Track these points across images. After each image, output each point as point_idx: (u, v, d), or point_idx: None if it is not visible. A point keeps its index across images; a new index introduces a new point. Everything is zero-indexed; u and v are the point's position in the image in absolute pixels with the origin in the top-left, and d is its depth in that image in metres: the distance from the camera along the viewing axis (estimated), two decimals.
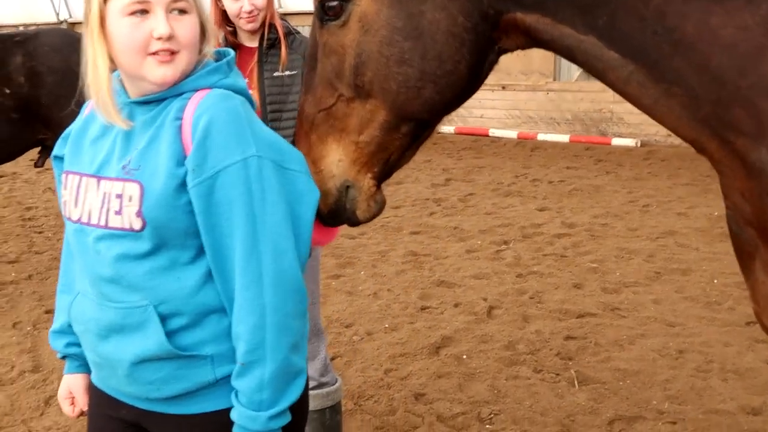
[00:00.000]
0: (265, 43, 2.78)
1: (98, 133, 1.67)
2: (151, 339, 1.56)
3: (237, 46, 2.86)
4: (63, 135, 1.77)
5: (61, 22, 16.41)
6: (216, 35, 1.65)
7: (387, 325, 4.85)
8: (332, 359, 4.32)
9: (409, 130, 1.77)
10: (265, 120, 2.77)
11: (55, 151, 1.78)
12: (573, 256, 6.18)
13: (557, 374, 4.13)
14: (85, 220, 1.61)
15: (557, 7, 1.56)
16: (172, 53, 1.56)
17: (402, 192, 8.83)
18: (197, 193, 1.51)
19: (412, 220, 7.50)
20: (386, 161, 1.82)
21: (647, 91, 1.54)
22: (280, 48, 2.74)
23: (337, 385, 3.13)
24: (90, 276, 1.63)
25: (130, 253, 1.55)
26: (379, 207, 1.90)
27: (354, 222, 1.90)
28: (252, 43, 2.83)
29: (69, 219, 1.66)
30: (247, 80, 2.81)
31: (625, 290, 5.36)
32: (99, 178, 1.60)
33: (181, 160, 1.52)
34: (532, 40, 1.67)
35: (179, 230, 1.54)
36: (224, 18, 2.80)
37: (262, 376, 1.52)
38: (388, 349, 4.50)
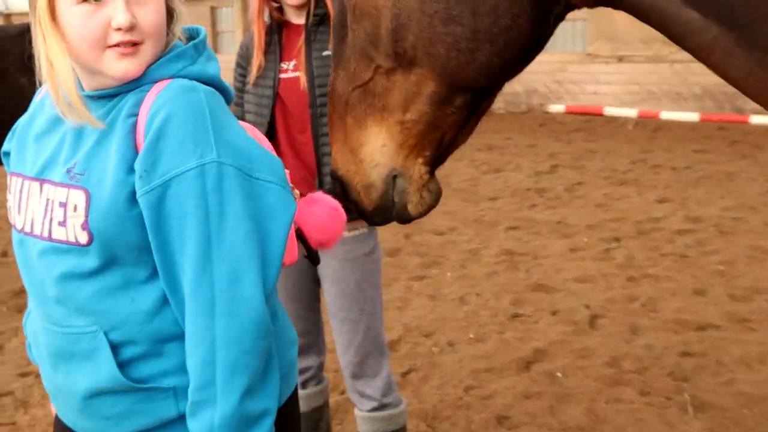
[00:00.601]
0: (312, 19, 2.73)
1: (44, 127, 1.61)
2: (103, 370, 1.51)
3: (283, 24, 2.82)
4: (12, 127, 1.71)
5: None
6: (185, 15, 1.57)
7: (472, 335, 4.75)
8: (407, 373, 4.27)
9: (465, 102, 1.66)
10: (314, 105, 2.72)
11: (4, 146, 1.74)
12: (696, 256, 5.89)
13: (668, 398, 3.92)
14: (27, 229, 1.56)
15: None
16: (135, 44, 1.48)
17: (501, 181, 8.70)
18: (146, 203, 1.43)
19: (510, 213, 7.36)
20: (439, 142, 1.72)
21: (736, 62, 1.38)
22: (329, 24, 2.68)
23: (401, 407, 3.07)
24: (35, 295, 1.59)
25: (76, 271, 1.50)
26: (434, 198, 1.81)
27: (404, 219, 1.81)
28: (299, 19, 2.78)
29: (14, 227, 1.62)
30: (294, 61, 2.78)
31: (757, 298, 5.06)
32: (42, 182, 1.55)
33: (132, 165, 1.45)
34: None
35: (131, 245, 1.48)
36: None
37: (211, 419, 1.44)
38: (471, 363, 4.40)
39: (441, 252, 6.29)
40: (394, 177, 1.73)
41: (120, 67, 1.49)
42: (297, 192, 1.73)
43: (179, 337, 1.53)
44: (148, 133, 1.44)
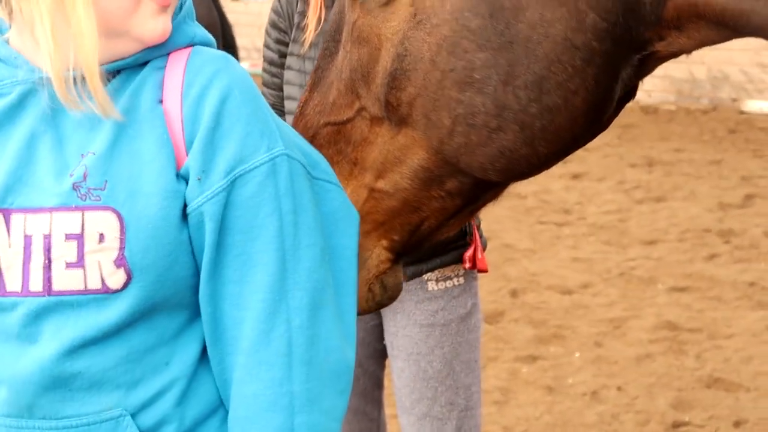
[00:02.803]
0: None
1: None
2: None
3: None
4: None
5: None
6: None
7: None
8: None
9: (459, 189, 1.79)
10: None
11: None
12: None
13: None
14: None
15: None
16: None
17: (664, 214, 8.67)
18: (205, 213, 1.52)
19: (676, 266, 7.33)
20: (415, 228, 1.85)
21: None
22: None
23: None
24: (7, 384, 1.60)
25: (97, 333, 1.54)
26: (388, 296, 1.94)
27: None
28: None
29: None
30: None
31: None
32: (7, 212, 1.56)
33: (175, 167, 1.53)
34: (725, 27, 1.61)
35: (180, 281, 1.56)
36: None
37: None
38: None
39: (566, 320, 6.31)
40: None
41: (158, 24, 1.56)
42: None
43: (217, 409, 1.62)
44: (196, 121, 1.53)
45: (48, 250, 1.52)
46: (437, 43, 1.63)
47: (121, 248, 1.51)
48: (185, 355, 1.59)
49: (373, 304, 1.91)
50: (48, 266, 1.52)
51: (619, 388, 5.37)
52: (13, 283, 1.54)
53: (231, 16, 7.19)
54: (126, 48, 1.58)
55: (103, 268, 1.52)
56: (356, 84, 1.76)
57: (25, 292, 1.53)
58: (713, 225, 8.33)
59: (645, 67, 1.71)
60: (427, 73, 1.65)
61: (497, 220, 7.61)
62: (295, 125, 1.87)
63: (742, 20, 1.57)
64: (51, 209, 1.53)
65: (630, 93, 1.78)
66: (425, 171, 1.74)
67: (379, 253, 1.85)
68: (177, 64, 1.57)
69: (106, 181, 1.52)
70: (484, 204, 1.88)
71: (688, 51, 1.70)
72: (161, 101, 1.56)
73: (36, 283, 1.53)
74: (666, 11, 1.60)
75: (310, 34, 2.84)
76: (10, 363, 1.58)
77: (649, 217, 8.59)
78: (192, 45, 1.62)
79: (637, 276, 7.12)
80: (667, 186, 9.70)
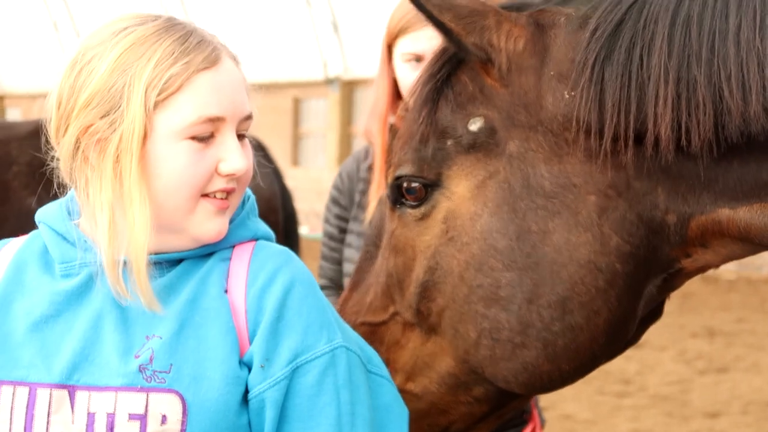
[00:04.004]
0: None
1: (48, 309, 1.65)
2: None
3: None
4: None
5: None
6: None
7: None
8: None
9: (486, 396, 1.83)
10: None
11: None
12: None
13: None
14: None
15: None
16: (228, 194, 1.65)
17: (726, 386, 8.55)
18: (266, 399, 1.55)
19: None
20: (443, 430, 1.89)
21: None
22: None
23: None
24: None
25: None
26: None
27: None
28: None
29: None
30: None
31: None
32: (73, 389, 1.58)
33: (238, 354, 1.57)
34: (746, 245, 1.67)
35: None
36: (396, 95, 2.92)
37: None
38: None
39: None
40: None
41: (214, 226, 1.63)
42: None
43: None
44: (260, 312, 1.58)
45: (111, 429, 1.54)
46: (466, 260, 1.71)
47: (183, 430, 1.54)
48: None
49: None
50: None
51: None
52: None
53: (291, 182, 7.28)
54: (183, 243, 1.66)
55: None
56: (391, 289, 1.84)
57: None
58: None
59: (671, 284, 1.76)
60: (455, 287, 1.73)
61: (556, 390, 7.54)
62: None
63: (758, 240, 1.63)
64: (117, 389, 1.56)
65: (656, 312, 1.84)
66: (452, 377, 1.79)
67: None
68: (242, 257, 1.64)
69: (172, 365, 1.56)
70: (511, 410, 1.93)
71: (716, 266, 1.75)
72: (226, 291, 1.61)
73: None
74: (690, 230, 1.65)
75: (370, 213, 2.89)
76: None
77: (712, 389, 8.47)
78: (255, 239, 1.69)
79: None
80: (729, 357, 9.62)
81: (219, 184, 1.61)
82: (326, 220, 3.11)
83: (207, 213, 1.62)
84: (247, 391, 1.57)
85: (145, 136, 1.57)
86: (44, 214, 1.71)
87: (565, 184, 1.65)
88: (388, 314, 1.86)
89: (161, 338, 1.58)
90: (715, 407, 8.00)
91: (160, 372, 1.55)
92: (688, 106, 1.53)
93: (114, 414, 1.55)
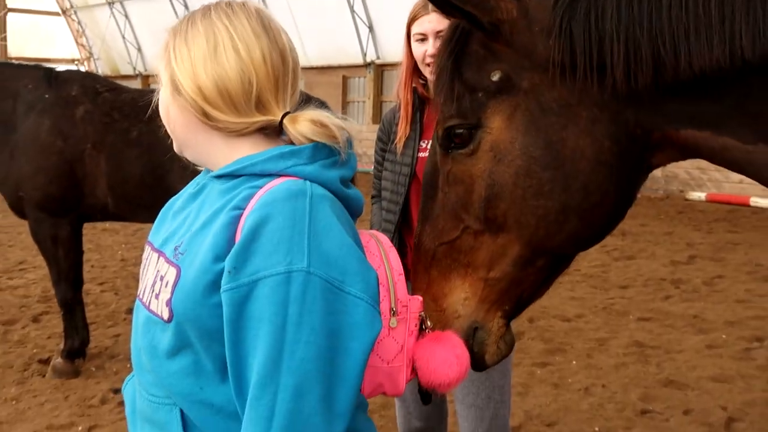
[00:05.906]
0: None
1: (181, 204, 1.66)
2: None
3: (426, 102, 2.94)
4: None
5: None
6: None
7: (597, 429, 4.69)
8: None
9: (546, 264, 1.79)
10: None
11: None
12: None
13: None
14: (140, 296, 1.60)
15: (719, 119, 1.55)
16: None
17: (633, 269, 8.60)
18: (229, 299, 1.39)
19: (642, 303, 7.25)
20: (519, 298, 1.84)
21: None
22: None
23: None
24: (135, 357, 1.62)
25: (159, 346, 1.51)
26: (509, 348, 1.90)
27: (480, 366, 1.89)
28: None
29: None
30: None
31: None
32: (159, 254, 1.58)
33: (221, 255, 1.43)
34: (689, 153, 1.66)
35: (203, 332, 1.46)
36: (416, 68, 2.90)
37: None
38: None
39: (566, 339, 6.26)
40: (475, 329, 1.82)
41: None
42: (429, 324, 1.71)
43: None
44: (243, 231, 1.43)
45: (155, 283, 1.56)
46: (515, 171, 1.67)
47: (171, 294, 1.49)
48: (216, 393, 1.50)
49: (499, 357, 1.88)
50: (152, 292, 1.56)
51: (603, 386, 5.32)
52: (144, 296, 1.60)
53: None
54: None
55: (161, 304, 1.51)
56: (458, 212, 1.78)
57: (144, 304, 1.59)
58: (667, 276, 8.25)
59: (654, 168, 1.74)
60: (512, 192, 1.68)
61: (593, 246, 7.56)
62: (416, 250, 1.89)
63: (695, 152, 1.62)
64: (166, 258, 1.56)
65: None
66: (522, 258, 1.74)
67: (498, 321, 1.83)
68: (265, 188, 1.48)
69: (187, 250, 1.52)
70: (562, 271, 1.87)
71: (670, 162, 1.73)
72: (241, 209, 1.47)
73: (147, 301, 1.57)
74: (652, 140, 1.64)
75: (398, 144, 2.95)
76: (137, 350, 1.62)
77: (623, 270, 8.53)
78: (289, 175, 1.51)
79: (615, 310, 7.06)
80: (635, 249, 9.65)
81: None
82: (375, 152, 3.15)
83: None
84: (218, 282, 1.43)
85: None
86: None
87: (565, 104, 1.62)
88: (460, 230, 1.79)
89: (192, 232, 1.54)
90: (626, 282, 8.06)
91: (180, 254, 1.52)
92: (635, 58, 1.51)
93: (159, 273, 1.56)
